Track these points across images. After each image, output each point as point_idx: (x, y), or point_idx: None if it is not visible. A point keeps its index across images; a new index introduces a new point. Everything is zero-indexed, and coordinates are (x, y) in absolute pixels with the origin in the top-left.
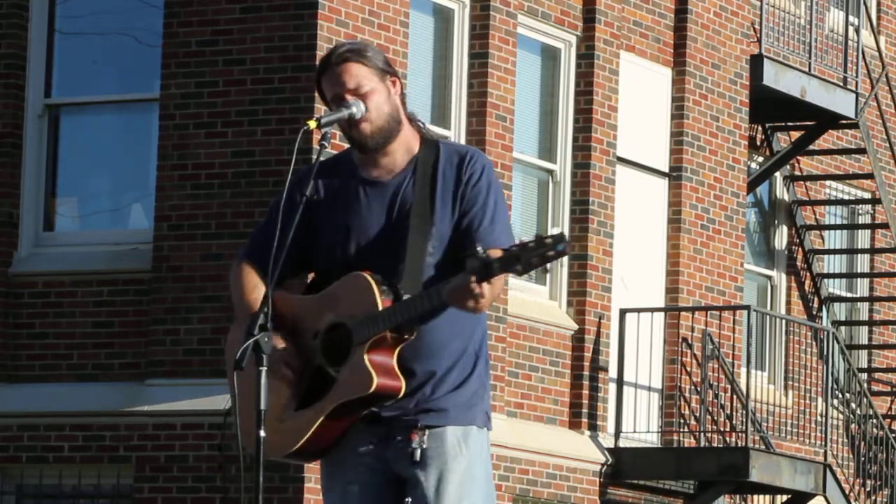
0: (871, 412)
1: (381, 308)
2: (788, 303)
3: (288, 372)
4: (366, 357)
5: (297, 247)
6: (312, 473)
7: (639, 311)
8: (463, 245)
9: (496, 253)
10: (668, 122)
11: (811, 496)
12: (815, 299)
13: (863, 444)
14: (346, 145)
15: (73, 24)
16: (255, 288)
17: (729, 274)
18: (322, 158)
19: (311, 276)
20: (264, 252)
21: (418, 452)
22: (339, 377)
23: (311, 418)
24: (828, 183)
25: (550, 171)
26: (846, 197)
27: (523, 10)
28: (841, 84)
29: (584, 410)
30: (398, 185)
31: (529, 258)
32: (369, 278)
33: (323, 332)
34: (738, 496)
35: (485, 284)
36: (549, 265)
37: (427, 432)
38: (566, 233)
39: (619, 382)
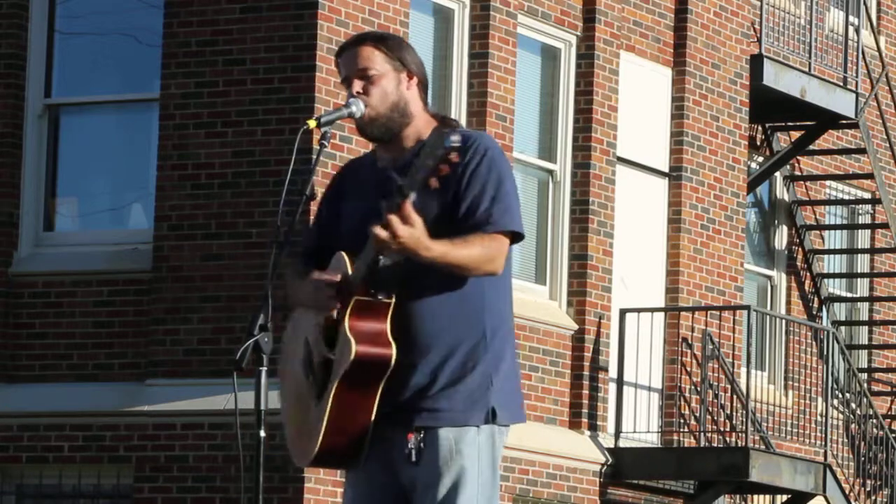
0: (871, 412)
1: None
2: (788, 303)
3: (333, 300)
4: (346, 325)
5: (329, 236)
6: (313, 474)
7: (639, 311)
8: (464, 230)
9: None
10: (668, 122)
11: (811, 496)
12: (815, 299)
13: (863, 444)
14: (346, 145)
15: (73, 24)
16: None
17: (729, 274)
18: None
19: None
20: (306, 245)
21: (414, 454)
22: (334, 358)
23: (321, 411)
24: (828, 183)
25: (550, 171)
26: (846, 197)
27: (523, 10)
28: (841, 84)
29: (584, 410)
30: (397, 170)
31: (424, 163)
32: (343, 253)
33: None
34: (738, 496)
35: (395, 216)
36: (451, 159)
37: (423, 432)
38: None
39: (619, 382)
